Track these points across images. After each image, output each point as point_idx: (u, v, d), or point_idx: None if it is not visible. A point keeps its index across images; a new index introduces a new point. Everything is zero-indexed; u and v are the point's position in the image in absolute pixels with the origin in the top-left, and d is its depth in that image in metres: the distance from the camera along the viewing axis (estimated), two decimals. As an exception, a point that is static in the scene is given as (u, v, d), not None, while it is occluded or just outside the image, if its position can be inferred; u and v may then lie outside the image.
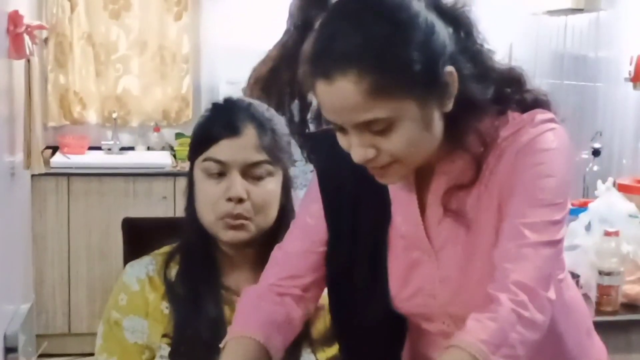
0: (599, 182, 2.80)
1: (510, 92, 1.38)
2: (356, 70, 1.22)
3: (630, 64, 3.15)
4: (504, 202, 1.34)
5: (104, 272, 4.57)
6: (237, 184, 1.66)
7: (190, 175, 1.75)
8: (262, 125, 1.69)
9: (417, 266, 1.45)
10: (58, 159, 4.75)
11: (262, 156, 1.68)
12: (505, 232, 1.31)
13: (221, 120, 1.70)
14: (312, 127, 3.41)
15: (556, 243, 1.32)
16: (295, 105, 3.50)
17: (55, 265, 4.66)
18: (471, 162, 1.35)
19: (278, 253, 1.57)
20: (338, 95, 1.25)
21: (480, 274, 1.36)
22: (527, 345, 1.24)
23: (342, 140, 1.33)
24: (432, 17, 1.28)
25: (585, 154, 3.15)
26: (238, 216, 1.67)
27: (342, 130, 1.31)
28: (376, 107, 1.24)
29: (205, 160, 1.69)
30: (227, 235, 1.69)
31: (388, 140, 1.28)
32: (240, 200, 1.66)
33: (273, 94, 3.26)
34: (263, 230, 1.71)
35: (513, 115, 1.38)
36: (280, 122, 1.74)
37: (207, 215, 1.70)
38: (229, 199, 1.66)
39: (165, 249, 1.79)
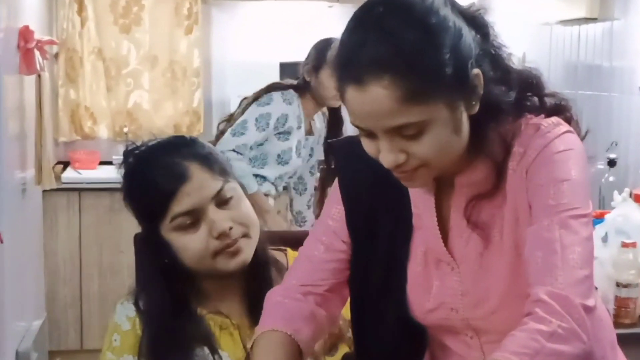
0: (615, 193, 2.77)
1: (531, 96, 1.39)
2: (389, 77, 1.21)
3: (645, 74, 3.13)
4: (521, 211, 1.33)
5: (116, 287, 4.55)
6: (220, 219, 1.63)
7: (153, 241, 1.67)
8: (199, 156, 1.66)
9: (439, 279, 1.44)
10: (69, 174, 4.75)
11: (220, 181, 1.66)
12: (530, 242, 1.29)
13: (162, 178, 1.63)
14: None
15: (584, 241, 1.29)
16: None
17: (67, 281, 4.66)
18: (493, 169, 1.35)
19: (300, 256, 1.57)
20: (370, 101, 1.23)
21: (500, 288, 1.36)
22: (566, 357, 1.19)
23: (369, 145, 1.32)
24: (459, 21, 1.28)
25: (601, 165, 3.10)
26: (234, 242, 1.65)
27: (371, 135, 1.30)
28: (409, 112, 1.23)
29: (174, 219, 1.63)
30: (230, 265, 1.66)
31: (418, 144, 1.27)
32: (229, 229, 1.64)
33: None
34: (256, 244, 1.69)
35: (526, 121, 1.37)
36: (203, 142, 1.73)
37: (201, 261, 1.66)
38: (218, 237, 1.63)
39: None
